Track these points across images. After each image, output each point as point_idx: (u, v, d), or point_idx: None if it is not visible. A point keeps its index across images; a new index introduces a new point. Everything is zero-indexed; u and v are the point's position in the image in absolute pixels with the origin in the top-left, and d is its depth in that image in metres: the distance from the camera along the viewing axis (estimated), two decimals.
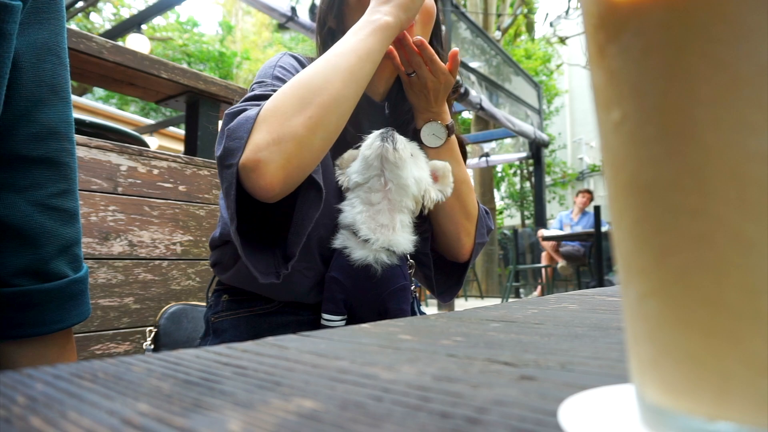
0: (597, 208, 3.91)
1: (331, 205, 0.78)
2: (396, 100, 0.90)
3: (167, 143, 6.45)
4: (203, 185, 1.34)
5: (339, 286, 0.75)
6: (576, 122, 15.70)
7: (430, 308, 5.84)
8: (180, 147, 5.77)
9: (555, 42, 10.63)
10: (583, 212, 6.01)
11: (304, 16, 4.09)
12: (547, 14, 10.68)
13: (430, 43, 0.87)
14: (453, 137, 0.85)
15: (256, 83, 0.77)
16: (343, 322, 0.76)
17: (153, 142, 6.08)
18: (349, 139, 0.81)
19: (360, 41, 0.70)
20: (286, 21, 4.07)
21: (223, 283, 0.83)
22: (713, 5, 0.13)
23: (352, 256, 0.74)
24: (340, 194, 0.80)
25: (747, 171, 0.13)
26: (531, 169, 10.39)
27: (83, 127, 1.93)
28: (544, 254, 6.09)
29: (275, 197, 0.65)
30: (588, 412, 0.17)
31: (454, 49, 0.81)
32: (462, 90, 4.54)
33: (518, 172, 13.54)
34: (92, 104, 6.57)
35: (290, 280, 0.76)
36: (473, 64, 5.58)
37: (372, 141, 0.74)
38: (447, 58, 0.82)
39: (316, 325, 0.77)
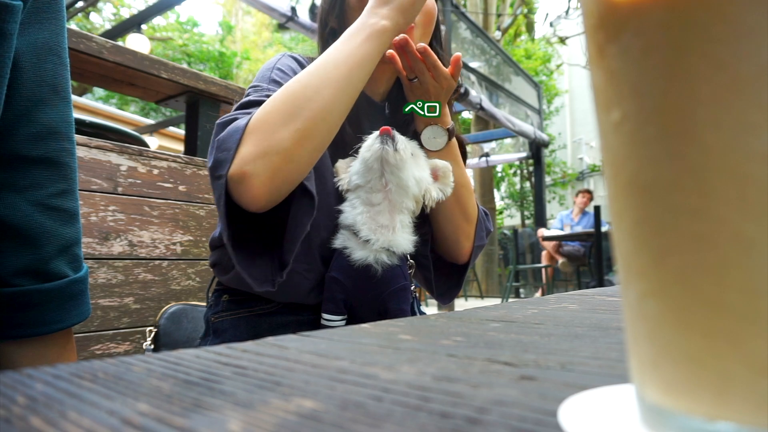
0: (597, 208, 3.91)
1: (332, 206, 0.78)
2: (396, 101, 0.90)
3: (167, 143, 6.45)
4: (203, 185, 1.34)
5: (339, 286, 0.75)
6: (576, 122, 15.70)
7: (430, 308, 5.84)
8: (180, 147, 5.76)
9: (555, 42, 10.64)
10: (584, 212, 6.01)
11: (304, 16, 4.09)
12: (547, 14, 10.68)
13: (430, 44, 0.87)
14: (453, 140, 0.85)
15: (251, 87, 0.76)
16: (343, 322, 0.76)
17: (153, 142, 6.08)
18: (348, 140, 0.81)
19: (354, 48, 0.69)
20: (286, 21, 4.07)
21: (223, 284, 0.83)
22: (713, 5, 0.13)
23: (352, 256, 0.74)
24: (340, 195, 0.80)
25: (747, 171, 0.13)
26: (531, 169, 10.39)
27: (83, 127, 1.93)
28: (544, 254, 6.09)
29: (263, 209, 0.65)
30: (588, 412, 0.17)
31: (457, 54, 0.80)
32: (462, 90, 4.54)
33: (518, 172, 13.54)
34: (92, 104, 6.57)
35: (290, 281, 0.76)
36: (473, 64, 5.58)
37: (371, 143, 0.74)
38: (447, 59, 0.82)
39: (316, 325, 0.77)
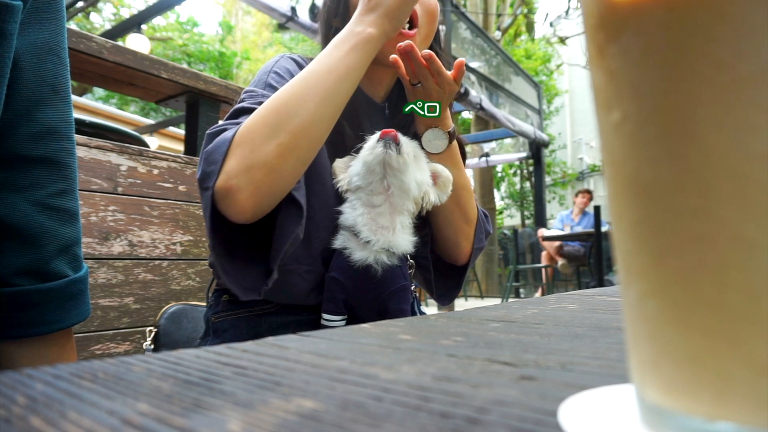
0: (597, 208, 3.91)
1: (331, 207, 0.78)
2: (397, 101, 0.90)
3: (167, 143, 6.45)
4: None
5: (339, 286, 0.75)
6: (576, 122, 15.70)
7: (430, 308, 5.84)
8: (180, 147, 5.76)
9: (555, 42, 10.64)
10: (584, 212, 6.01)
11: (304, 16, 4.09)
12: (547, 14, 10.68)
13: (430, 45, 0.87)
14: (454, 142, 0.85)
15: (246, 92, 0.76)
16: (343, 322, 0.76)
17: (153, 142, 6.08)
18: (348, 141, 0.81)
19: (340, 59, 0.68)
20: (286, 21, 4.07)
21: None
22: (713, 5, 0.13)
23: (352, 257, 0.74)
24: (339, 196, 0.80)
25: (747, 171, 0.13)
26: (531, 169, 10.39)
27: (83, 127, 1.93)
28: (544, 254, 6.09)
29: (249, 221, 0.65)
30: (588, 412, 0.17)
31: (461, 59, 0.79)
32: (462, 90, 4.54)
33: (518, 172, 13.54)
34: (92, 104, 6.57)
35: (290, 282, 0.76)
36: (473, 64, 5.58)
37: (373, 145, 0.73)
38: (445, 58, 0.82)
39: (316, 325, 0.77)
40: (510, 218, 15.13)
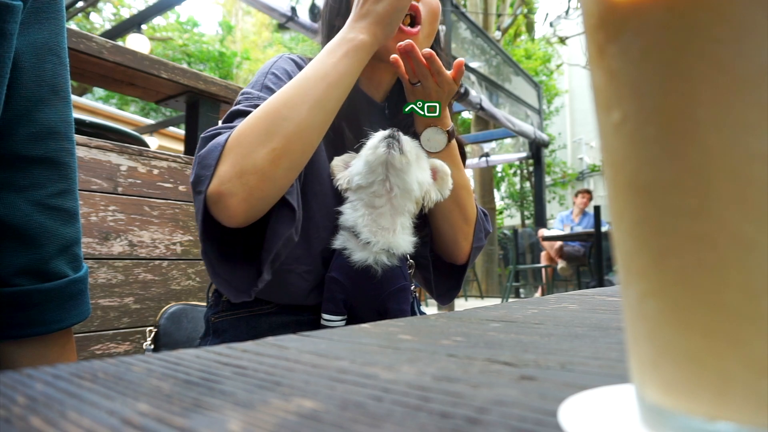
0: (597, 208, 3.91)
1: (331, 207, 0.78)
2: (397, 101, 0.90)
3: (167, 143, 6.45)
4: None
5: (339, 286, 0.75)
6: (576, 122, 15.70)
7: (430, 308, 5.84)
8: (180, 147, 5.76)
9: (555, 42, 10.63)
10: (584, 213, 6.01)
11: (304, 16, 4.09)
12: (547, 14, 10.68)
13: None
14: (453, 141, 0.85)
15: (243, 94, 0.76)
16: (343, 323, 0.76)
17: (153, 142, 6.08)
18: (348, 143, 0.81)
19: (332, 65, 0.69)
20: (286, 21, 4.07)
21: None
22: (713, 5, 0.13)
23: (352, 257, 0.74)
24: (339, 196, 0.80)
25: (747, 171, 0.13)
26: (531, 169, 10.39)
27: (83, 127, 1.93)
28: (543, 254, 6.08)
29: (240, 225, 0.66)
30: (588, 412, 0.17)
31: (460, 59, 0.79)
32: (461, 91, 4.54)
33: (518, 172, 13.54)
34: (92, 104, 6.57)
35: (289, 283, 0.76)
36: (473, 64, 5.58)
37: (376, 145, 0.73)
38: (445, 58, 0.82)
39: (316, 325, 0.77)
40: (510, 218, 15.13)
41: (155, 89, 1.77)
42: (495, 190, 11.77)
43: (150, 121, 7.29)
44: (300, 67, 0.84)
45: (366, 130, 0.79)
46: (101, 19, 12.74)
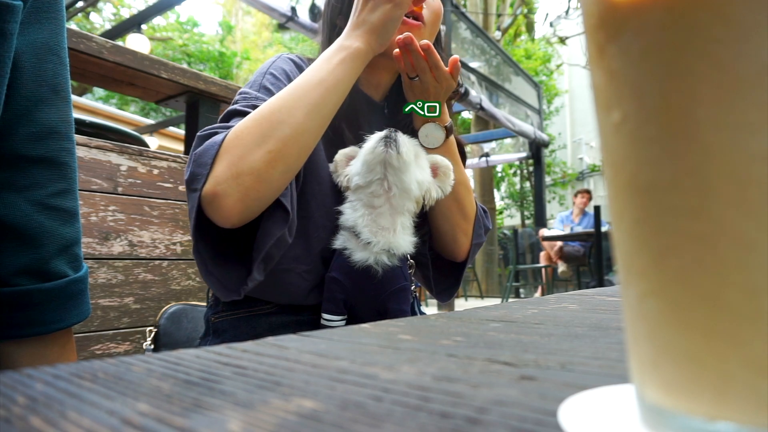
0: (597, 208, 3.91)
1: (330, 207, 0.78)
2: (396, 100, 0.90)
3: (167, 143, 6.45)
4: None
5: (339, 286, 0.75)
6: (576, 122, 15.70)
7: (430, 308, 5.84)
8: (180, 147, 5.76)
9: (555, 42, 10.63)
10: (584, 213, 6.01)
11: (304, 16, 4.09)
12: (547, 14, 10.68)
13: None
14: (452, 138, 0.85)
15: (240, 94, 0.77)
16: (343, 323, 0.76)
17: (153, 142, 6.08)
18: (347, 143, 0.81)
19: (329, 71, 0.70)
20: (286, 21, 4.07)
21: None
22: (713, 6, 0.13)
23: (352, 257, 0.74)
24: (338, 195, 0.80)
25: (747, 171, 0.13)
26: (531, 169, 10.38)
27: (83, 127, 1.93)
28: (543, 254, 6.08)
29: (234, 226, 0.66)
30: (588, 412, 0.17)
31: (455, 56, 0.80)
32: (461, 91, 4.54)
33: (518, 172, 13.54)
34: (92, 104, 6.57)
35: (289, 282, 0.76)
36: (473, 64, 5.58)
37: (374, 145, 0.73)
38: (446, 59, 0.82)
39: (316, 325, 0.77)
40: (510, 218, 15.13)
41: (155, 89, 1.77)
42: (495, 190, 11.77)
43: (150, 121, 7.29)
44: (299, 67, 0.84)
45: (365, 130, 0.79)
46: (101, 19, 12.74)
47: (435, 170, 0.80)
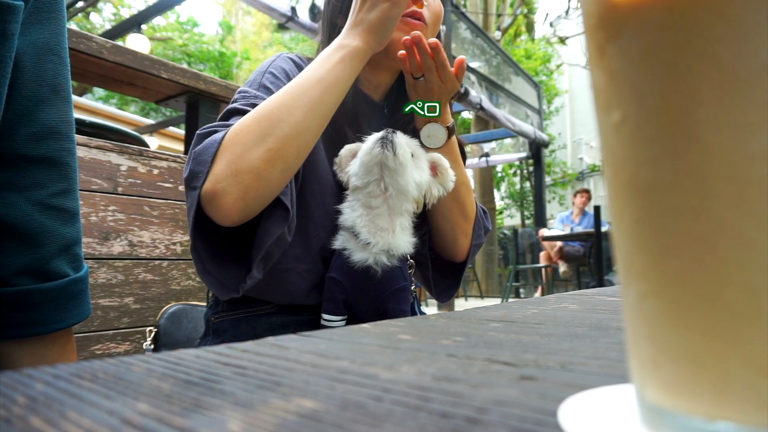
0: (597, 208, 3.91)
1: (330, 206, 0.78)
2: (396, 100, 0.90)
3: (167, 143, 6.45)
4: None
5: (338, 286, 0.75)
6: (576, 122, 15.70)
7: (430, 308, 5.84)
8: (180, 147, 5.76)
9: (555, 42, 10.63)
10: (584, 213, 6.01)
11: (304, 16, 4.09)
12: (547, 14, 10.68)
13: None
14: (453, 138, 0.85)
15: (240, 93, 0.77)
16: (343, 323, 0.76)
17: (153, 142, 6.08)
18: (347, 142, 0.81)
19: (328, 69, 0.70)
20: (286, 21, 4.07)
21: None
22: (713, 6, 0.13)
23: (352, 258, 0.73)
24: (338, 195, 0.80)
25: (747, 171, 0.13)
26: (531, 169, 10.38)
27: (83, 127, 1.93)
28: (543, 254, 6.09)
29: (234, 224, 0.66)
30: (588, 412, 0.17)
31: (461, 57, 0.80)
32: (462, 91, 4.54)
33: (518, 172, 13.54)
34: (92, 104, 6.57)
35: (289, 282, 0.76)
36: (473, 64, 5.58)
37: (371, 147, 0.73)
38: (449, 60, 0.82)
39: (316, 325, 0.77)
40: (510, 218, 15.12)
41: (155, 89, 1.77)
42: (495, 190, 11.77)
43: (150, 121, 7.29)
44: (298, 66, 0.84)
45: (365, 130, 0.79)
46: (101, 19, 12.75)
47: (434, 168, 0.80)
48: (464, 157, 0.93)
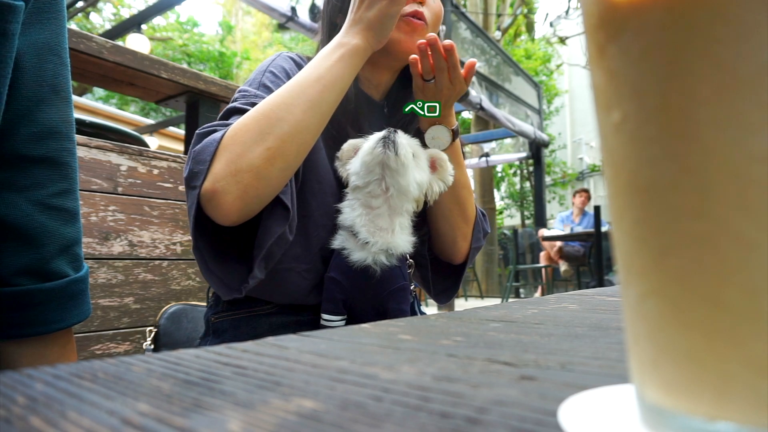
0: (597, 208, 3.91)
1: (330, 206, 0.78)
2: (396, 100, 0.90)
3: (167, 143, 6.45)
4: None
5: (338, 286, 0.75)
6: (576, 122, 15.70)
7: (430, 308, 5.84)
8: (180, 147, 5.76)
9: (555, 42, 10.63)
10: (584, 213, 6.01)
11: (304, 16, 4.09)
12: (547, 14, 10.68)
13: None
14: (457, 141, 0.85)
15: (240, 92, 0.77)
16: (343, 323, 0.76)
17: (153, 142, 6.08)
18: (347, 139, 0.81)
19: (327, 68, 0.70)
20: (286, 21, 4.07)
21: None
22: (713, 5, 0.13)
23: (351, 257, 0.73)
24: (338, 194, 0.80)
25: (747, 171, 0.13)
26: (531, 169, 10.38)
27: (83, 127, 1.93)
28: (542, 254, 6.09)
29: (234, 223, 0.66)
30: (588, 412, 0.17)
31: (472, 60, 0.80)
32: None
33: (518, 172, 13.53)
34: (92, 104, 6.57)
35: (289, 281, 0.76)
36: None
37: (373, 146, 0.73)
38: None
39: (316, 325, 0.77)
40: (510, 218, 15.12)
41: (155, 89, 1.77)
42: (495, 190, 11.76)
43: (150, 121, 7.29)
44: (298, 66, 0.84)
45: (365, 129, 0.79)
46: (101, 19, 12.74)
47: (433, 163, 0.79)
48: (463, 156, 0.93)
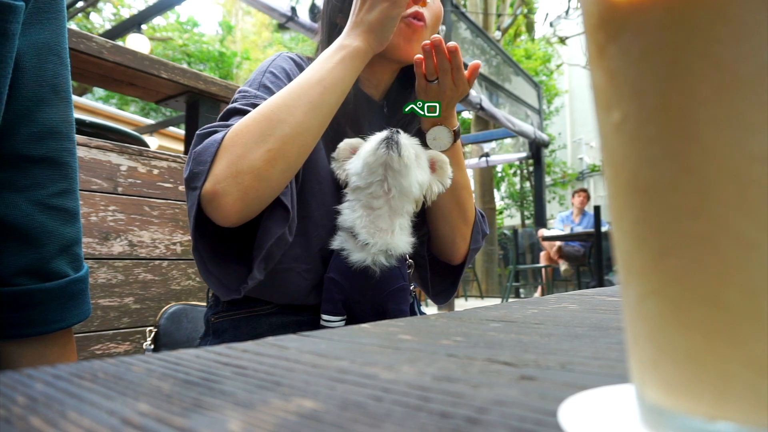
0: (597, 208, 3.91)
1: (330, 206, 0.78)
2: (396, 99, 0.90)
3: (167, 143, 6.45)
4: None
5: (337, 287, 0.74)
6: (576, 122, 15.70)
7: (430, 308, 5.84)
8: (180, 147, 5.76)
9: (555, 42, 10.63)
10: (584, 213, 6.01)
11: (304, 16, 4.09)
12: (547, 14, 10.68)
13: None
14: (458, 142, 0.85)
15: (240, 92, 0.77)
16: (343, 323, 0.76)
17: (153, 142, 6.08)
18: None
19: (329, 71, 0.70)
20: (286, 21, 4.07)
21: None
22: (713, 5, 0.13)
23: (350, 258, 0.73)
24: (338, 194, 0.80)
25: (747, 171, 0.13)
26: (531, 169, 10.38)
27: (83, 127, 1.93)
28: (542, 254, 6.09)
29: (235, 224, 0.66)
30: (588, 412, 0.17)
31: (477, 61, 0.80)
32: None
33: (518, 172, 13.53)
34: (92, 104, 6.57)
35: (289, 281, 0.76)
36: None
37: (376, 147, 0.73)
38: None
39: (315, 325, 0.77)
40: (510, 218, 15.12)
41: (155, 89, 1.77)
42: (495, 190, 11.76)
43: (150, 121, 7.29)
44: (298, 66, 0.84)
45: (365, 129, 0.79)
46: (101, 19, 12.74)
47: (432, 164, 0.80)
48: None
